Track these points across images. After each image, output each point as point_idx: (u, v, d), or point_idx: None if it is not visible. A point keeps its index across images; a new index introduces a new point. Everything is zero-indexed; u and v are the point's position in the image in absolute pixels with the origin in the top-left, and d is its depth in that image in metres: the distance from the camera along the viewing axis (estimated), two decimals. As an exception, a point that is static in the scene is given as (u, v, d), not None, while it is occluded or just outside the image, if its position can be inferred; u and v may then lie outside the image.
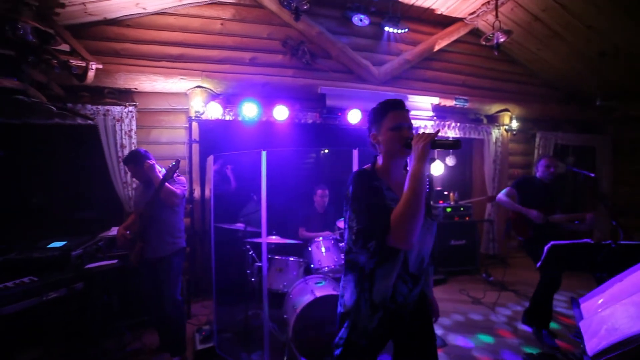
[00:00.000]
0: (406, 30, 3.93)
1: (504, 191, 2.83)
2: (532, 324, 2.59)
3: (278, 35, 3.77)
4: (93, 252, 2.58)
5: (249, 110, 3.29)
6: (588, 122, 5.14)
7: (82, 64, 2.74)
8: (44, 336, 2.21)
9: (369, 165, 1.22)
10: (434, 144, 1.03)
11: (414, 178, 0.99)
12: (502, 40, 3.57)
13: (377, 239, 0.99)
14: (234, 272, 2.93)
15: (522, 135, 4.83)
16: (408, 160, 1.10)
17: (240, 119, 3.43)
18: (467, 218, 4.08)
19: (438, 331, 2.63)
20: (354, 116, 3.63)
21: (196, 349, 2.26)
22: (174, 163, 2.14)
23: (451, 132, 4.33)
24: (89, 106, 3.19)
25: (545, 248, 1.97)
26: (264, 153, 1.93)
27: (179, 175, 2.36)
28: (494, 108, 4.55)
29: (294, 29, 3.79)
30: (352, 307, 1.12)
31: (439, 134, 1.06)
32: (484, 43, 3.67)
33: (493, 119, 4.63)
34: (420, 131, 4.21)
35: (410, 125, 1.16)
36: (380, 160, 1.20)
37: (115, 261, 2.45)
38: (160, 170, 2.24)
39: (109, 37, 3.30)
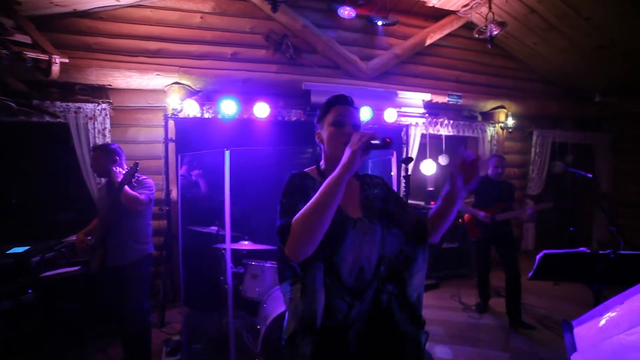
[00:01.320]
0: (396, 22, 3.76)
1: None
2: (518, 321, 2.67)
3: (261, 29, 3.60)
4: (55, 258, 2.42)
5: (228, 107, 3.12)
6: (587, 119, 4.96)
7: (44, 57, 2.57)
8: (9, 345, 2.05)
9: (313, 167, 1.09)
10: (367, 149, 0.87)
11: (328, 185, 0.84)
12: (495, 32, 3.40)
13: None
14: (208, 277, 2.77)
15: (518, 133, 4.65)
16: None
17: (219, 116, 3.26)
18: (459, 220, 3.90)
19: (424, 342, 2.46)
20: (340, 113, 3.45)
21: (161, 362, 2.10)
22: (131, 166, 1.97)
23: (444, 129, 4.16)
24: (58, 103, 3.02)
25: (537, 257, 1.81)
26: (227, 152, 1.76)
27: (147, 178, 2.18)
28: (489, 105, 4.38)
29: (277, 23, 3.62)
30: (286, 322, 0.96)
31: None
32: (477, 36, 3.50)
33: (488, 116, 4.45)
34: (411, 130, 4.06)
35: (356, 123, 1.02)
36: (322, 163, 1.08)
37: (78, 268, 2.29)
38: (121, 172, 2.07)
39: (81, 30, 3.14)
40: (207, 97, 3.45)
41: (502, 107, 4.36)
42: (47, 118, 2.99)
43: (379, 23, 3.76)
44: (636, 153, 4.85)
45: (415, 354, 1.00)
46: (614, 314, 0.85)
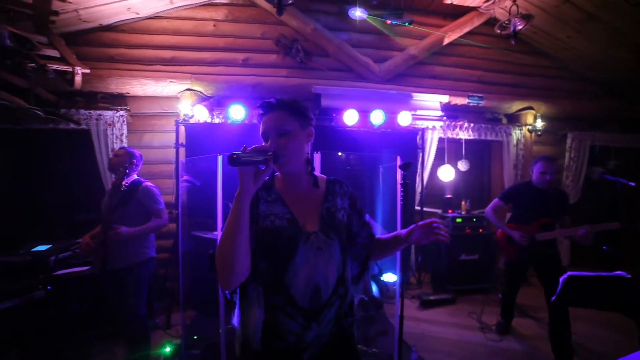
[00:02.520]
0: (411, 22, 3.60)
1: (491, 204, 2.57)
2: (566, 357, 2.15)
3: (272, 35, 3.62)
4: (70, 258, 2.55)
5: (236, 112, 3.14)
6: (635, 119, 4.40)
7: (68, 68, 2.76)
8: (14, 341, 2.18)
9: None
10: (233, 161, 0.74)
11: (231, 211, 0.79)
12: (520, 27, 3.12)
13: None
14: (213, 282, 2.77)
15: (549, 136, 4.24)
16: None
17: (229, 122, 3.30)
18: (480, 230, 3.61)
19: (433, 364, 2.27)
20: (350, 117, 3.36)
21: (158, 366, 2.11)
22: (121, 169, 2.01)
23: (463, 133, 3.90)
24: (82, 111, 3.23)
25: (561, 279, 1.57)
26: (219, 157, 1.75)
27: (153, 186, 2.19)
28: (514, 106, 4.04)
29: (288, 27, 3.62)
30: (244, 342, 0.89)
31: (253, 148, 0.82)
32: (499, 32, 3.24)
33: (514, 119, 4.11)
34: (427, 134, 3.84)
35: (283, 129, 0.90)
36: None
37: (88, 268, 2.39)
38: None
39: (104, 42, 3.35)
40: (217, 103, 3.51)
41: (529, 108, 4.01)
42: (72, 125, 3.20)
43: (393, 24, 3.62)
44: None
45: None
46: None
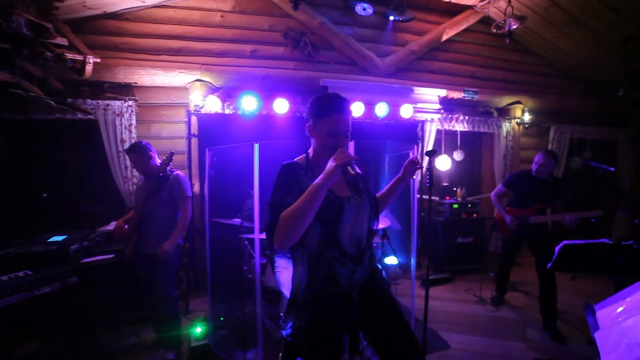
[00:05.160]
0: (412, 19, 3.77)
1: (495, 190, 2.89)
2: (552, 327, 2.49)
3: (279, 27, 3.68)
4: (91, 247, 2.58)
5: (249, 103, 3.22)
6: (609, 114, 4.85)
7: (80, 57, 2.72)
8: (41, 330, 2.22)
9: (302, 156, 1.22)
10: (344, 172, 1.01)
11: (312, 192, 0.99)
12: (514, 27, 3.38)
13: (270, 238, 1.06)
14: (232, 268, 2.89)
15: (535, 129, 4.59)
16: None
17: (240, 112, 3.37)
18: (474, 215, 3.92)
19: (440, 332, 2.53)
20: (356, 109, 3.51)
21: (191, 345, 2.22)
22: (167, 156, 2.10)
23: (459, 125, 4.16)
24: (89, 101, 3.18)
25: (557, 248, 1.83)
26: (256, 146, 1.86)
27: (184, 175, 2.28)
28: (504, 100, 4.34)
29: (295, 20, 3.68)
30: (294, 291, 1.12)
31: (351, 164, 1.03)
32: (495, 31, 3.48)
33: (504, 112, 4.42)
34: (427, 125, 4.07)
35: (347, 130, 1.14)
36: (312, 154, 1.21)
37: (112, 256, 2.44)
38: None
39: (108, 31, 3.28)
40: (227, 94, 3.56)
41: (518, 102, 4.32)
42: (79, 115, 3.15)
43: (395, 19, 3.77)
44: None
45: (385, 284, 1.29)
46: (636, 296, 0.90)
